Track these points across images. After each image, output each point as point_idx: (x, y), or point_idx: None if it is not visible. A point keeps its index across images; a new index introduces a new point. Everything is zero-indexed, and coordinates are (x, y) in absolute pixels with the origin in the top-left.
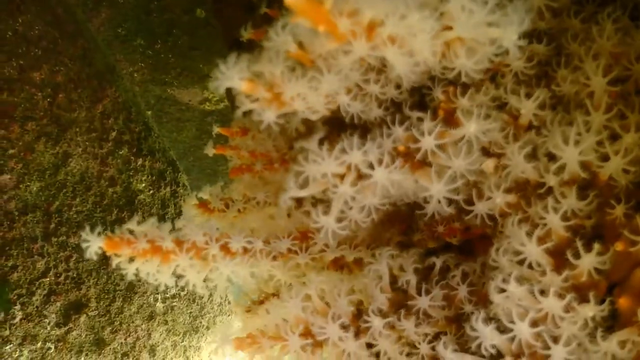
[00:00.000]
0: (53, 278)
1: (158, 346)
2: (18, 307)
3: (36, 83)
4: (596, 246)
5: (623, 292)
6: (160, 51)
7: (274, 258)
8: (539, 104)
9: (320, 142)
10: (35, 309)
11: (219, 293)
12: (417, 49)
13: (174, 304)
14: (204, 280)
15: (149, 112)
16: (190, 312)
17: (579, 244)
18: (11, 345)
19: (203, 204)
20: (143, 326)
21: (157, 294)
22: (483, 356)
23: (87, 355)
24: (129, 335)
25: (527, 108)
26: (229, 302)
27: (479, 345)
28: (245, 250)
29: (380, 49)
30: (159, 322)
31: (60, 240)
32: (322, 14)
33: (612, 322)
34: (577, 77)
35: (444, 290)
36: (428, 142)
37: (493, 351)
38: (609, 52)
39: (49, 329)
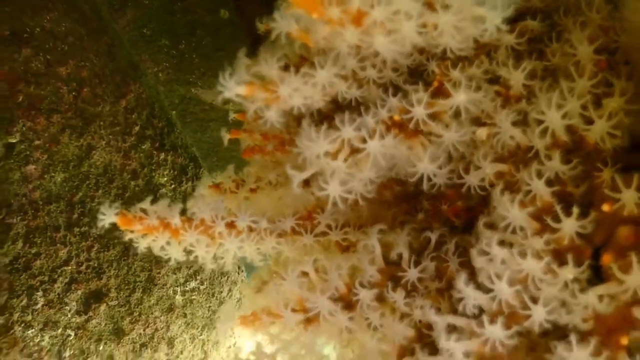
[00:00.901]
0: (75, 267)
1: (176, 339)
2: (40, 293)
3: (62, 77)
4: (575, 210)
5: (607, 249)
6: (184, 51)
7: (279, 236)
8: (528, 75)
9: (321, 122)
10: (57, 296)
11: (231, 276)
12: (404, 32)
13: (193, 297)
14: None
15: (174, 112)
16: (210, 307)
17: (558, 208)
18: (33, 330)
19: (216, 185)
20: (162, 318)
21: (177, 286)
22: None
23: (106, 344)
24: (148, 327)
25: (516, 79)
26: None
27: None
28: (251, 228)
29: (369, 36)
30: (177, 314)
31: (83, 231)
32: (314, 3)
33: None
34: (567, 50)
35: (435, 262)
36: (419, 112)
37: (476, 311)
38: (597, 24)
39: (69, 316)
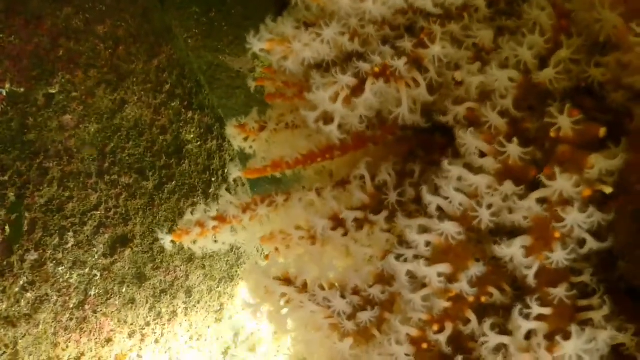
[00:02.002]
0: (103, 212)
1: (194, 288)
2: (71, 234)
3: (99, 35)
4: (515, 139)
5: (548, 164)
6: (214, 19)
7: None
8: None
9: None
10: (86, 238)
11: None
12: None
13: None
14: None
15: (201, 77)
16: (228, 260)
17: (503, 138)
18: (63, 267)
19: (242, 126)
20: (182, 267)
21: None
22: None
23: (128, 287)
24: (169, 274)
25: (486, 36)
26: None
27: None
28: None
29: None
30: (197, 265)
31: (113, 179)
32: None
33: None
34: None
35: (413, 188)
36: (400, 61)
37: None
38: None
39: (96, 257)
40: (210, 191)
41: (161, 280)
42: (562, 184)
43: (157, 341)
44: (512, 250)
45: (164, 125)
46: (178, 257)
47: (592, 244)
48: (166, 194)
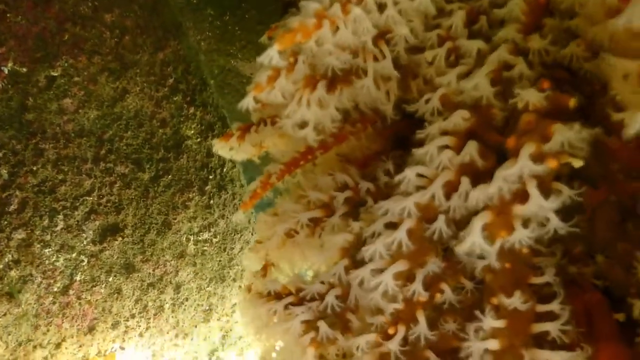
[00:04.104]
0: (96, 199)
1: (183, 285)
2: (61, 217)
3: (106, 23)
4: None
5: (511, 134)
6: (228, 23)
7: None
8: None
9: None
10: (76, 222)
11: (244, 235)
12: None
13: (205, 248)
14: None
15: (212, 82)
16: (220, 261)
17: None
18: (50, 249)
19: (226, 136)
20: (172, 262)
21: (191, 235)
22: None
23: (115, 276)
24: (158, 268)
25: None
26: None
27: None
28: None
29: None
30: (187, 262)
31: (108, 167)
32: None
33: None
34: None
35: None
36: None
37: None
38: None
39: (85, 243)
40: (206, 188)
41: (150, 273)
42: (525, 155)
43: (141, 335)
44: (473, 238)
45: (164, 119)
46: (169, 251)
47: (556, 223)
48: (161, 187)
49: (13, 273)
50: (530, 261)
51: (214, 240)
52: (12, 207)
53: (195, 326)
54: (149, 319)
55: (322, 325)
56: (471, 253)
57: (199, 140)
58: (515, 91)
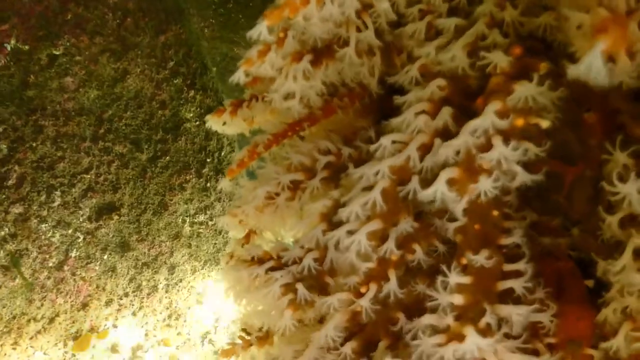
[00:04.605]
0: (94, 177)
1: (178, 266)
2: (58, 193)
3: (109, 5)
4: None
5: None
6: (231, 10)
7: None
8: None
9: None
10: (73, 199)
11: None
12: None
13: (201, 230)
14: None
15: (214, 69)
16: (215, 244)
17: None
18: (47, 225)
19: (218, 112)
20: (167, 243)
21: (187, 216)
22: None
23: (110, 254)
24: (153, 248)
25: None
26: None
27: None
28: None
29: None
30: (183, 244)
31: (107, 146)
32: None
33: None
34: None
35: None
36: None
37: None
38: None
39: (81, 220)
40: (203, 171)
41: (145, 252)
42: (491, 112)
43: (134, 314)
44: (437, 186)
45: (164, 101)
46: (164, 232)
47: (523, 176)
48: (159, 168)
49: (9, 247)
50: (501, 224)
51: (210, 223)
52: (10, 182)
53: (189, 308)
54: (143, 298)
55: (300, 287)
56: (438, 206)
57: (197, 123)
58: (482, 54)
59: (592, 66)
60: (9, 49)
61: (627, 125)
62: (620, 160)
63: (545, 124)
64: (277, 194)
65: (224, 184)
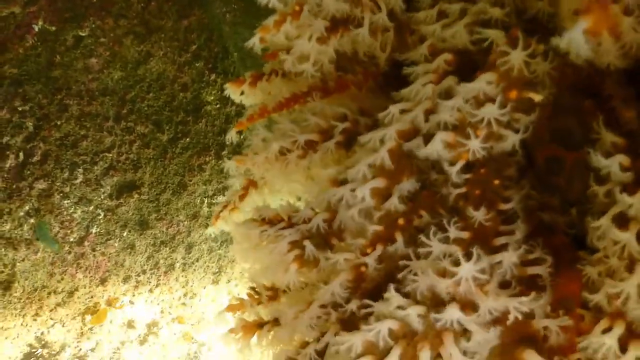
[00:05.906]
0: (115, 156)
1: (195, 246)
2: (81, 170)
3: None
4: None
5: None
6: None
7: None
8: None
9: None
10: (95, 177)
11: None
12: None
13: None
14: None
15: (236, 54)
16: None
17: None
18: (69, 201)
19: (238, 81)
20: (185, 223)
21: (205, 197)
22: None
23: (129, 232)
24: (171, 227)
25: None
26: None
27: None
28: None
29: None
30: (200, 224)
31: (129, 126)
32: None
33: None
34: None
35: None
36: None
37: None
38: None
39: (102, 197)
40: (222, 153)
41: (163, 231)
42: (484, 79)
43: (151, 291)
44: (434, 146)
45: (185, 83)
46: (183, 212)
47: (512, 138)
48: (179, 149)
49: (33, 221)
50: (501, 192)
51: None
52: (35, 158)
53: (204, 287)
54: (160, 276)
55: (308, 244)
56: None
57: (218, 106)
58: (477, 30)
59: (572, 40)
60: (36, 29)
61: (618, 109)
62: (607, 139)
63: (538, 97)
64: (289, 151)
65: (232, 134)
